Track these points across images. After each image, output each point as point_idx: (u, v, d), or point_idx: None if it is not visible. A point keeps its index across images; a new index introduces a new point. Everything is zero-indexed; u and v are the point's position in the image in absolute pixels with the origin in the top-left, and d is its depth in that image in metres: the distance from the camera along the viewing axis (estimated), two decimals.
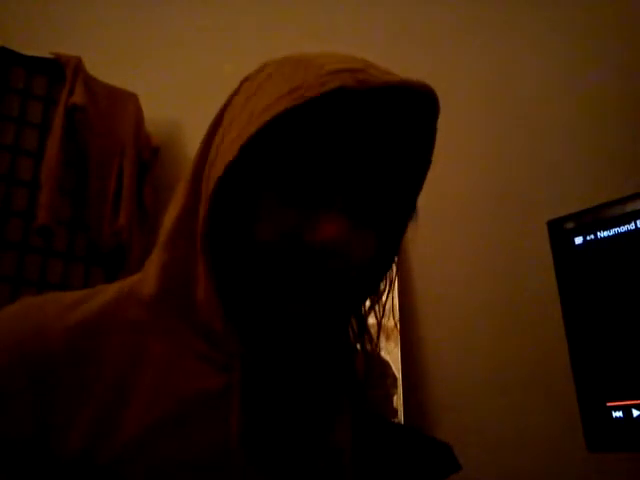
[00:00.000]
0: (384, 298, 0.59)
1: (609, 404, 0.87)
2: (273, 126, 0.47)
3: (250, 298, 0.51)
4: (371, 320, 0.60)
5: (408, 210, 0.57)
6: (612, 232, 0.91)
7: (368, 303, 0.60)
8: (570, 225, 0.95)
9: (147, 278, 0.54)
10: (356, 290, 0.55)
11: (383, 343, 1.20)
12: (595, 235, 0.92)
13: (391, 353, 1.22)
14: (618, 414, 0.86)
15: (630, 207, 0.90)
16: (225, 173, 0.48)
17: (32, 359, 0.47)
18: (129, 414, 0.47)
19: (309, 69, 0.48)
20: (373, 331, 0.60)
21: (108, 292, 0.54)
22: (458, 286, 1.25)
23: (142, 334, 0.51)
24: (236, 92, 0.55)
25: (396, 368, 1.22)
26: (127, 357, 0.50)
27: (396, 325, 1.24)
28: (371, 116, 0.49)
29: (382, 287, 0.59)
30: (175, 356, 0.50)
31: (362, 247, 0.51)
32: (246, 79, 0.56)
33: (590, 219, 0.93)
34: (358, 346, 0.60)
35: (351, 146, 0.48)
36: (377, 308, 0.59)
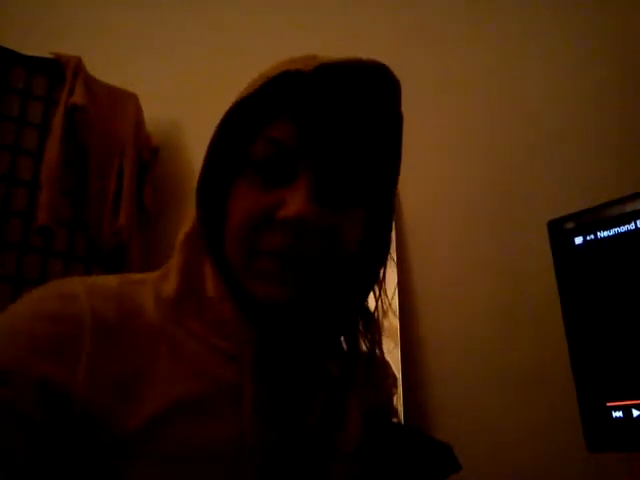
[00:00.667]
0: (382, 290, 0.60)
1: (609, 404, 0.87)
2: (243, 120, 0.51)
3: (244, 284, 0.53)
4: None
5: (389, 194, 0.58)
6: (612, 232, 0.91)
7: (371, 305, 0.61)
8: (570, 225, 0.95)
9: (168, 276, 0.57)
10: (355, 280, 0.57)
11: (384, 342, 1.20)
12: (595, 235, 0.92)
13: (391, 353, 1.22)
14: (618, 414, 0.86)
15: (630, 207, 0.90)
16: (212, 174, 0.53)
17: (60, 332, 0.49)
18: (149, 395, 0.48)
19: (272, 68, 0.52)
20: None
21: (137, 283, 0.57)
22: (458, 286, 1.25)
23: (162, 324, 0.54)
24: None
25: (396, 368, 1.22)
26: (147, 343, 0.52)
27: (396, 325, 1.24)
28: (329, 97, 0.51)
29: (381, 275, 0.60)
30: (192, 348, 0.53)
31: (345, 227, 0.52)
32: None
33: (590, 219, 0.93)
34: (363, 345, 0.61)
35: (312, 126, 0.51)
36: (380, 297, 0.60)
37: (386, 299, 0.61)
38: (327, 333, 0.58)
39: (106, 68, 1.67)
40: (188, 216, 0.58)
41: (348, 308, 0.59)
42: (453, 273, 1.27)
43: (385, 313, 0.61)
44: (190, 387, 0.50)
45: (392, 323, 1.24)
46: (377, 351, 0.61)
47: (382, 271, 0.60)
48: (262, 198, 0.51)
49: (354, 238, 0.54)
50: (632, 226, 0.89)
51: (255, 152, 0.52)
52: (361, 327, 0.61)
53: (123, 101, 1.66)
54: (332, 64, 0.49)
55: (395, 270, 1.23)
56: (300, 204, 0.49)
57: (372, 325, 0.61)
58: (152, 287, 0.57)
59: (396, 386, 1.23)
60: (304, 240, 0.50)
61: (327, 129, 0.51)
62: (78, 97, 1.51)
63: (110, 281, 0.56)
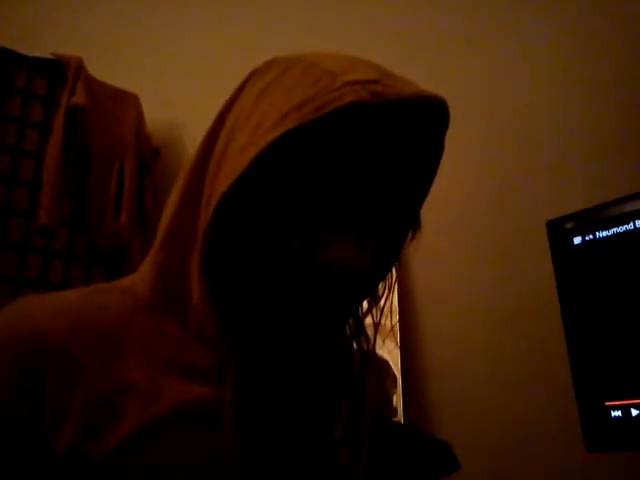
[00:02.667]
0: (382, 302, 0.59)
1: (608, 403, 0.87)
2: (281, 137, 0.45)
3: (248, 304, 0.51)
4: (368, 320, 0.59)
5: (410, 219, 0.56)
6: (611, 232, 0.91)
7: (366, 304, 0.59)
8: (569, 225, 0.96)
9: (142, 279, 0.54)
10: (354, 293, 0.54)
11: (381, 343, 1.21)
12: (594, 235, 0.93)
13: (391, 353, 1.23)
14: (617, 413, 0.86)
15: (628, 207, 0.90)
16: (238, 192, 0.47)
17: (23, 358, 0.47)
18: (123, 414, 0.46)
19: (321, 78, 0.47)
20: (370, 331, 0.59)
21: (103, 292, 0.54)
22: (458, 285, 1.25)
23: (137, 335, 0.50)
24: (242, 88, 0.54)
25: (396, 368, 1.22)
26: (120, 357, 0.49)
27: (393, 327, 1.25)
28: (384, 128, 0.47)
29: (381, 289, 0.59)
30: (170, 359, 0.50)
31: (365, 259, 0.50)
32: (253, 74, 0.54)
33: (589, 219, 0.94)
34: (355, 345, 0.59)
35: (363, 162, 0.47)
36: (375, 310, 0.59)
37: (379, 312, 0.59)
38: (318, 342, 0.56)
39: (107, 69, 1.67)
40: (169, 207, 0.54)
41: (342, 317, 0.57)
42: (453, 272, 1.27)
43: (379, 325, 0.59)
44: (170, 403, 0.47)
45: (392, 323, 1.24)
46: (369, 349, 0.59)
47: (381, 286, 0.58)
48: (304, 233, 0.47)
49: (368, 266, 0.52)
50: (631, 226, 0.89)
51: (297, 181, 0.47)
52: (352, 325, 0.59)
53: (124, 102, 1.67)
54: (401, 99, 0.46)
55: (394, 270, 1.24)
56: (348, 251, 0.47)
57: (361, 333, 0.59)
58: (126, 292, 0.53)
59: (395, 385, 1.24)
60: (343, 283, 0.48)
61: (380, 165, 0.48)
62: (79, 98, 1.52)
63: (69, 297, 0.53)
